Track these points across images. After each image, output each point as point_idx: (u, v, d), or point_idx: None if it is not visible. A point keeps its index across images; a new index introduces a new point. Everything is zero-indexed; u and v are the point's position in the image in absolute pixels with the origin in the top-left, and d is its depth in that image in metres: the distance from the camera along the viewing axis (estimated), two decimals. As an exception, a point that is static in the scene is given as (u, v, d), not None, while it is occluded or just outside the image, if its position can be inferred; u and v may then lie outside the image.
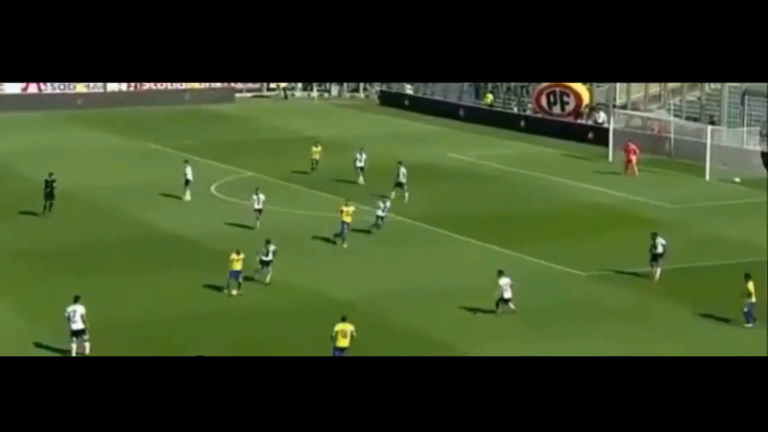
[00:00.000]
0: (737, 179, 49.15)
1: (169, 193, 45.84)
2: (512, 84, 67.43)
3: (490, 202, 43.72)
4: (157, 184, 47.39)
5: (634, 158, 50.14)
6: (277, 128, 62.53)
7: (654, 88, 61.27)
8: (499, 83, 67.57)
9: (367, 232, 39.82)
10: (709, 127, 52.28)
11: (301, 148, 53.82)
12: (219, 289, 33.75)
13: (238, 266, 33.49)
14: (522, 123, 62.40)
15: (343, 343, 27.48)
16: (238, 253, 33.67)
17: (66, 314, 28.44)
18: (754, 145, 51.55)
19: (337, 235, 39.02)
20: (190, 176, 44.98)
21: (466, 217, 42.54)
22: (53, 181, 42.32)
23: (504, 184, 44.29)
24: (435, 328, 30.84)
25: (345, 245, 38.61)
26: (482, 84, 67.77)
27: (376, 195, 43.12)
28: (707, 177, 49.75)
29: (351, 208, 39.39)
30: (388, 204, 40.58)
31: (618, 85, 61.58)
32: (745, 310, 30.79)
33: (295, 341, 29.92)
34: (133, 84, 70.89)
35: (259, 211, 40.56)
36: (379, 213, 39.98)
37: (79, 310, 28.43)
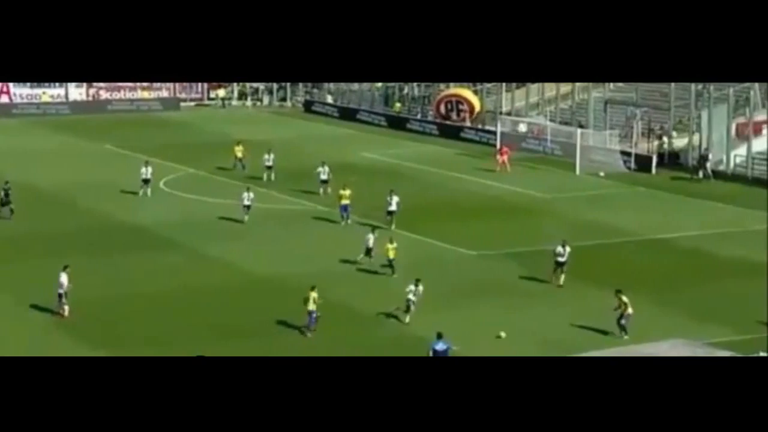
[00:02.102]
0: (602, 173, 49.91)
1: (123, 189, 45.46)
2: (416, 94, 67.82)
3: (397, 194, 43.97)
4: (112, 181, 47.01)
5: (505, 157, 50.58)
6: (215, 132, 62.18)
7: (534, 97, 62.02)
8: (405, 93, 67.95)
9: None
10: (579, 130, 53.11)
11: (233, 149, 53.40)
12: (166, 268, 33.63)
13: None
14: (425, 127, 62.78)
15: (312, 306, 28.13)
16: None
17: (59, 281, 29.07)
18: (615, 145, 52.40)
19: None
20: (148, 175, 44.21)
21: (377, 207, 42.79)
22: (8, 189, 40.59)
23: (409, 179, 44.63)
24: (355, 300, 31.00)
25: (348, 222, 39.11)
26: (390, 93, 68.04)
27: (294, 190, 43.15)
28: (577, 171, 50.43)
29: (348, 191, 39.48)
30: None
31: (504, 93, 62.25)
32: (623, 322, 28.07)
33: (229, 315, 29.98)
34: (92, 94, 70.03)
35: (248, 207, 39.70)
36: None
37: (63, 276, 29.10)
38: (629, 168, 50.69)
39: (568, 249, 32.02)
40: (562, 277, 31.93)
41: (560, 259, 31.86)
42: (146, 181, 44.24)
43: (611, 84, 60.95)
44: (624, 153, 51.57)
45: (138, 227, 39.57)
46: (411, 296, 28.95)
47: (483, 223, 40.64)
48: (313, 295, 28.26)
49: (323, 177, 44.64)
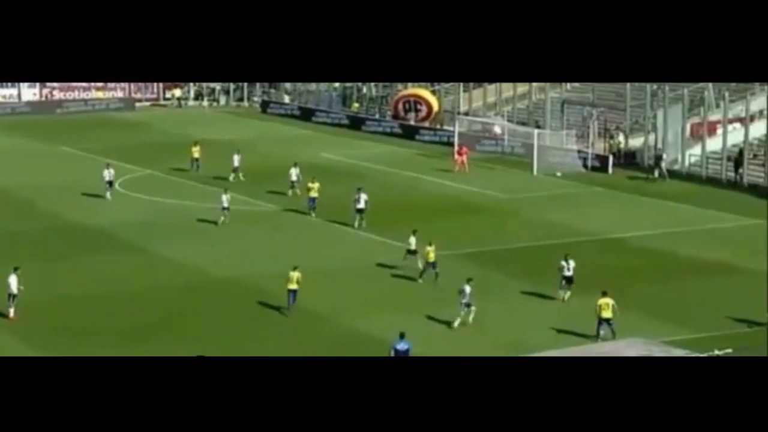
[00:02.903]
0: (559, 173, 50.29)
1: (80, 190, 45.11)
2: (374, 94, 67.88)
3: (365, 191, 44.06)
4: (68, 183, 46.67)
5: (463, 158, 50.84)
6: (171, 133, 61.87)
7: (491, 97, 62.34)
8: (363, 93, 67.98)
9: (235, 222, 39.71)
10: (536, 131, 53.47)
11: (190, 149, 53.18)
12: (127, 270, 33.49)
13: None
14: (383, 127, 62.89)
15: (294, 285, 29.55)
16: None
17: (7, 282, 29.02)
18: (572, 145, 52.81)
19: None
20: (110, 178, 43.84)
21: (335, 207, 42.85)
22: None
23: (367, 179, 44.67)
24: (314, 303, 31.08)
25: (312, 214, 40.08)
26: (348, 93, 68.05)
27: (255, 191, 43.11)
28: (535, 172, 50.75)
29: (316, 184, 40.42)
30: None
31: (462, 93, 62.51)
32: (613, 326, 27.65)
33: (180, 315, 29.92)
34: (45, 94, 69.34)
35: (226, 209, 39.37)
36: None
37: (12, 278, 29.12)
38: (586, 168, 51.12)
39: (572, 263, 30.82)
40: (568, 293, 30.74)
41: (567, 274, 30.71)
42: (110, 183, 43.84)
43: (568, 84, 61.42)
44: (581, 152, 51.97)
45: (95, 229, 39.34)
46: (466, 296, 28.86)
47: (441, 223, 40.76)
48: (296, 274, 29.38)
49: (293, 178, 44.62)
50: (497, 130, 56.61)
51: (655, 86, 52.75)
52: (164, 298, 31.51)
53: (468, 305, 28.89)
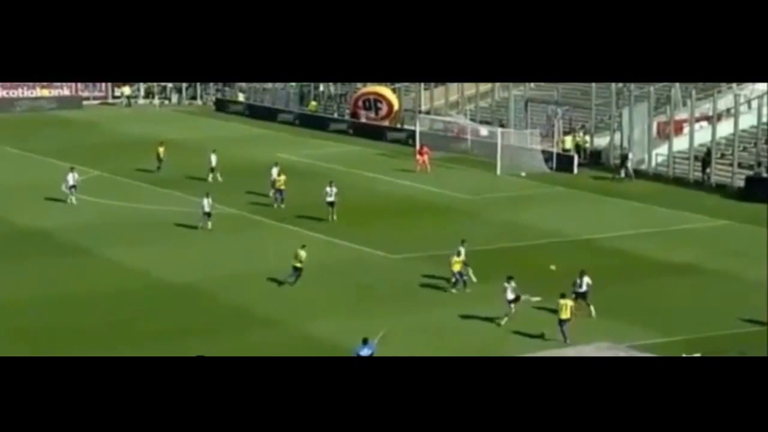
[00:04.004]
0: (523, 173, 50.43)
1: (26, 192, 44.58)
2: (333, 92, 67.72)
3: (313, 195, 43.95)
4: (13, 184, 46.11)
5: (425, 157, 50.89)
6: (121, 132, 61.38)
7: (453, 95, 62.42)
8: (321, 92, 67.77)
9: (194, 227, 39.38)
10: (500, 130, 53.59)
11: (142, 149, 52.87)
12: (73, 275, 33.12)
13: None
14: (342, 126, 62.78)
15: (299, 264, 32.10)
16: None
17: None
18: (536, 145, 52.94)
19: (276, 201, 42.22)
20: (74, 182, 43.23)
21: (292, 209, 42.69)
22: None
23: (325, 180, 44.49)
24: (266, 307, 30.88)
25: (281, 206, 42.00)
26: (306, 91, 67.85)
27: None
28: (498, 172, 50.86)
29: (282, 178, 42.45)
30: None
31: (423, 92, 62.52)
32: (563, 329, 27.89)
33: (127, 320, 29.65)
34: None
35: (208, 214, 38.98)
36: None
37: None
38: (551, 168, 51.33)
39: (587, 279, 30.13)
40: (591, 307, 29.92)
41: (579, 290, 30.02)
42: (74, 188, 43.18)
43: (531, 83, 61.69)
44: (545, 152, 52.18)
45: (41, 232, 38.94)
46: (510, 294, 29.19)
47: (402, 225, 40.80)
48: (302, 253, 32.00)
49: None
50: (461, 122, 56.78)
51: (620, 84, 53.07)
52: (114, 301, 31.18)
53: (512, 301, 29.20)
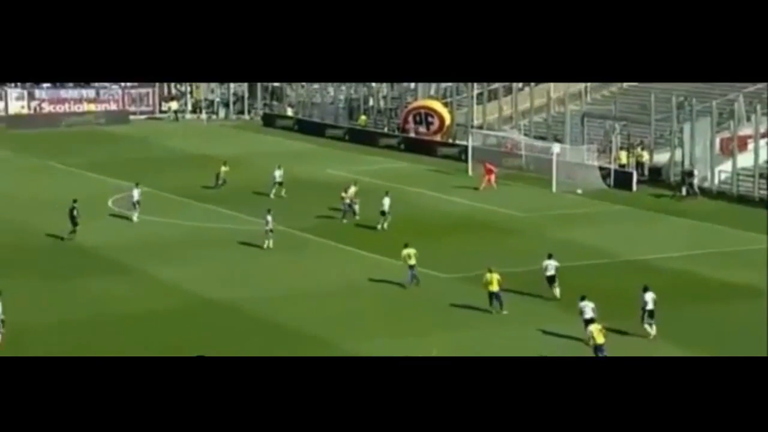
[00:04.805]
0: (579, 190, 50.35)
1: (64, 207, 45.40)
2: (383, 106, 68.20)
3: (364, 213, 44.31)
4: (57, 200, 46.98)
5: (492, 176, 50.99)
6: (169, 148, 62.29)
7: (507, 110, 62.51)
8: (371, 106, 68.34)
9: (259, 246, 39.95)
10: (555, 145, 53.51)
11: (191, 165, 53.60)
12: (117, 294, 33.74)
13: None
14: (392, 142, 63.19)
15: (412, 261, 34.32)
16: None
17: None
18: (593, 161, 52.75)
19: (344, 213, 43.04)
20: (138, 198, 43.82)
21: (342, 227, 43.13)
22: (74, 208, 40.59)
23: (375, 196, 44.82)
24: (314, 326, 31.30)
25: (345, 221, 42.75)
26: (355, 106, 68.41)
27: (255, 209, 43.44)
28: (554, 189, 50.81)
29: (352, 189, 43.65)
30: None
31: (475, 107, 62.70)
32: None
33: (175, 340, 30.21)
34: (33, 107, 69.90)
35: (271, 231, 39.37)
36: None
37: None
38: (608, 185, 51.17)
39: (650, 294, 30.77)
40: (653, 328, 30.48)
41: (649, 308, 30.61)
42: (137, 204, 43.62)
43: (588, 96, 61.56)
44: (602, 169, 52.01)
45: (85, 249, 39.51)
46: (590, 313, 29.30)
47: (454, 243, 40.86)
48: (411, 251, 34.21)
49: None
50: (514, 137, 56.71)
51: (681, 98, 52.89)
52: (160, 322, 31.76)
53: (588, 322, 29.04)
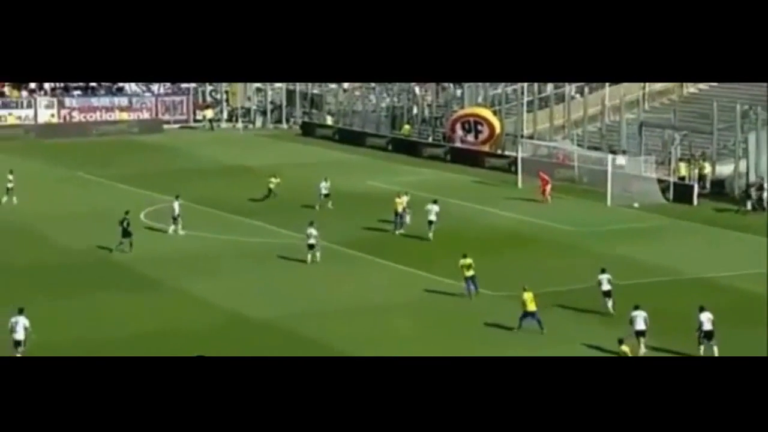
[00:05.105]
0: (636, 204, 48.96)
1: (98, 221, 44.44)
2: (427, 115, 66.97)
3: (409, 227, 43.15)
4: (86, 212, 46.16)
5: (548, 187, 49.62)
6: (204, 158, 61.34)
7: (558, 120, 61.14)
8: (415, 114, 67.17)
9: (301, 260, 38.76)
10: (610, 156, 52.10)
11: (228, 176, 52.52)
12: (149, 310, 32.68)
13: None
14: (437, 152, 61.88)
15: (470, 272, 34.32)
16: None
17: (9, 325, 28.09)
18: (651, 173, 51.26)
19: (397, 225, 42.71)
20: (178, 211, 42.60)
21: (382, 241, 41.86)
22: (124, 219, 39.77)
23: (418, 210, 43.60)
24: (350, 344, 29.98)
25: (398, 232, 42.48)
26: (398, 114, 67.19)
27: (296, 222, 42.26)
28: (609, 202, 49.48)
29: (405, 198, 43.28)
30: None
31: (525, 115, 61.35)
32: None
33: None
34: (63, 115, 69.26)
35: (312, 246, 38.27)
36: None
37: (21, 321, 28.15)
38: (667, 199, 49.71)
39: (707, 314, 29.85)
40: (715, 349, 29.51)
41: (706, 328, 29.68)
42: (178, 217, 42.53)
43: (646, 104, 60.26)
44: (661, 182, 50.40)
45: (116, 264, 38.64)
46: (640, 324, 29.56)
47: (502, 260, 39.77)
48: (468, 261, 34.11)
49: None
50: (567, 147, 55.41)
51: (746, 106, 51.36)
52: (191, 339, 30.56)
53: (639, 334, 29.49)
